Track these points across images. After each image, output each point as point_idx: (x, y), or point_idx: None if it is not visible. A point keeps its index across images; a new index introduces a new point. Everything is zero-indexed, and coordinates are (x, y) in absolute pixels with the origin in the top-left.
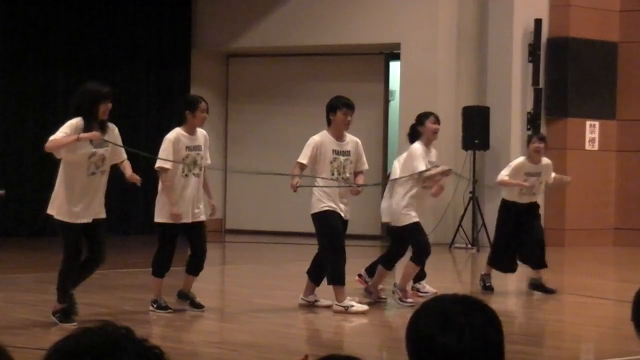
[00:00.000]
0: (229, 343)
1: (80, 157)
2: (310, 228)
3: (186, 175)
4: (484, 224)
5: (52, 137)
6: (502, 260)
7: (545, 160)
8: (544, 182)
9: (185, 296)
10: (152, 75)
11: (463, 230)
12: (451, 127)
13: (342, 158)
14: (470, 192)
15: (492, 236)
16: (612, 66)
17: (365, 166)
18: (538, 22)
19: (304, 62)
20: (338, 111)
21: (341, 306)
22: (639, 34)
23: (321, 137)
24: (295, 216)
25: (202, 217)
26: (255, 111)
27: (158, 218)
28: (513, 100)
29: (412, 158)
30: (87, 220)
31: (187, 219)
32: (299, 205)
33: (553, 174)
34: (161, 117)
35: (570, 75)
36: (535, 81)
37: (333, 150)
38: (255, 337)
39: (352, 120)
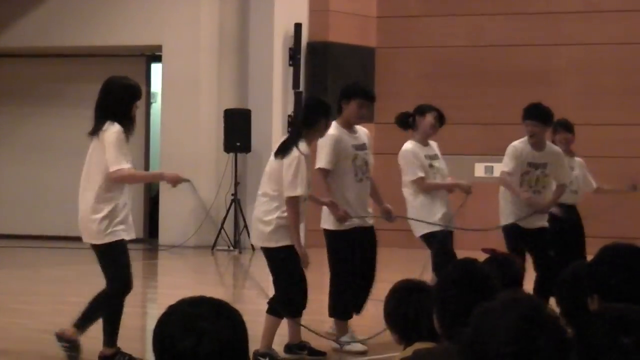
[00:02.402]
0: None
1: None
2: (70, 232)
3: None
4: (245, 226)
5: (118, 167)
6: None
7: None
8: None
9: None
10: None
11: (225, 232)
12: (213, 130)
13: (361, 153)
14: (233, 194)
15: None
16: (370, 70)
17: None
18: (298, 27)
19: (65, 63)
20: (352, 100)
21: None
22: (394, 40)
23: (337, 131)
24: (54, 219)
25: None
26: (13, 113)
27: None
28: (274, 103)
29: None
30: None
31: None
32: (58, 208)
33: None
34: None
35: (330, 79)
36: (296, 84)
37: (352, 146)
38: (9, 343)
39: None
